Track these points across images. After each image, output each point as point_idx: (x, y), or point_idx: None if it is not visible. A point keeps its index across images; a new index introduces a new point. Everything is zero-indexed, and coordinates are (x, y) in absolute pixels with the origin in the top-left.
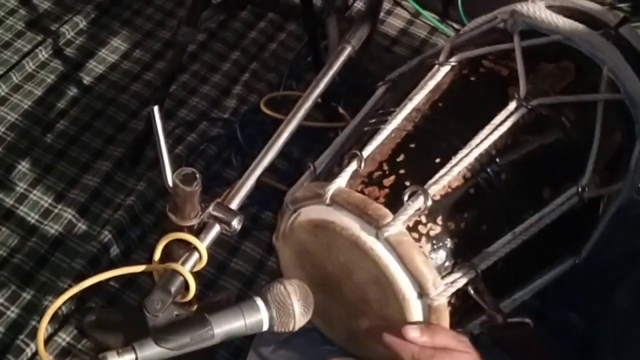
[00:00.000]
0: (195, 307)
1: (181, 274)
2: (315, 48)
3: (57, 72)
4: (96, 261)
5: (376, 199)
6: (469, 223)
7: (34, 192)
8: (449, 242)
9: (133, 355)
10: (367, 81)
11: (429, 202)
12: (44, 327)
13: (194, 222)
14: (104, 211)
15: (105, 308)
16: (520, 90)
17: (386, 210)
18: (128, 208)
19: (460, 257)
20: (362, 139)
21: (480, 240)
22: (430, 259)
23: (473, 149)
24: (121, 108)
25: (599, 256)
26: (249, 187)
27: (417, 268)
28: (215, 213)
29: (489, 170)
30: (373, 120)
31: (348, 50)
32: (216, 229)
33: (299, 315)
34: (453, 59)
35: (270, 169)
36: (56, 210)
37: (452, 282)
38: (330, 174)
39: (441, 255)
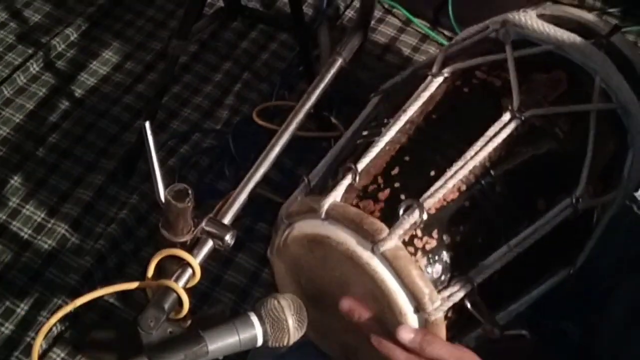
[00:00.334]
0: (189, 322)
1: (174, 291)
2: (306, 58)
3: (49, 85)
4: (90, 276)
5: (371, 213)
6: (464, 236)
7: (27, 206)
8: (445, 256)
9: None
10: (358, 90)
11: (425, 216)
12: (38, 344)
13: (187, 237)
14: (97, 225)
15: (100, 324)
16: (513, 101)
17: (382, 225)
18: (121, 222)
19: (456, 270)
20: (356, 151)
21: (476, 253)
22: (427, 273)
23: (467, 161)
24: (113, 121)
25: (593, 265)
26: (242, 201)
27: (413, 282)
28: (208, 228)
29: (483, 182)
30: (366, 133)
31: (339, 62)
32: (209, 244)
33: (293, 330)
34: (446, 70)
35: (264, 179)
36: (49, 225)
37: (449, 296)
38: (324, 188)
39: (437, 269)
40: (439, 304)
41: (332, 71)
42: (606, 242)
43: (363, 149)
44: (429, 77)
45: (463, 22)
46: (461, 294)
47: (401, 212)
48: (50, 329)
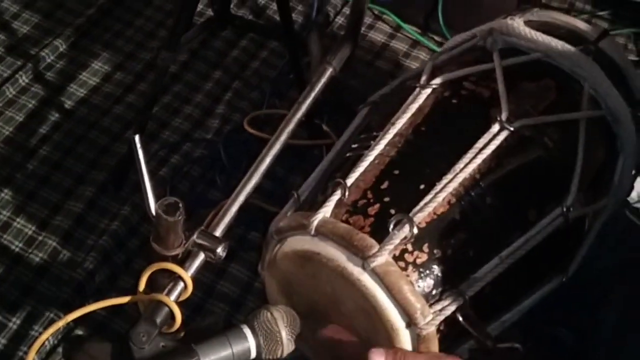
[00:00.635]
0: (182, 335)
1: (166, 305)
2: (297, 66)
3: (38, 97)
4: (82, 289)
5: (361, 228)
6: (455, 249)
7: (18, 219)
8: (436, 270)
9: None
10: (350, 97)
11: (415, 230)
12: (31, 359)
13: (178, 251)
14: (89, 237)
15: (92, 338)
16: (502, 112)
17: (372, 241)
18: (112, 233)
19: (447, 284)
20: (346, 165)
21: (467, 265)
22: (418, 288)
23: (457, 173)
24: (103, 132)
25: (586, 270)
26: (233, 213)
27: (404, 298)
28: (199, 241)
29: (473, 194)
30: (356, 146)
31: (330, 72)
32: (201, 257)
33: (287, 341)
34: (434, 82)
35: (255, 188)
36: (40, 238)
37: (441, 310)
38: (314, 203)
39: (429, 283)
40: (430, 318)
41: (323, 80)
42: (598, 248)
43: (352, 162)
44: (417, 89)
45: (453, 27)
46: (453, 308)
47: (391, 227)
48: (43, 343)
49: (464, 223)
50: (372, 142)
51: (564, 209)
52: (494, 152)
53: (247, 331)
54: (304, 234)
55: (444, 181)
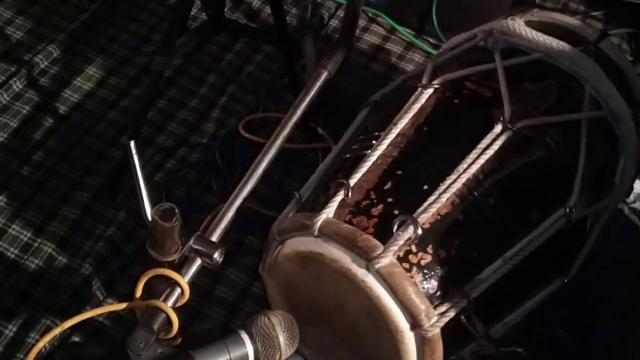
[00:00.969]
0: (179, 341)
1: (164, 311)
2: (292, 69)
3: (33, 103)
4: (78, 295)
5: (365, 229)
6: (459, 250)
7: (13, 226)
8: (440, 271)
9: None
10: (345, 100)
11: (419, 232)
12: None
13: (175, 257)
14: (85, 243)
15: (88, 345)
16: (505, 112)
17: (376, 242)
18: (108, 239)
19: (452, 285)
20: (348, 166)
21: (471, 267)
22: (423, 290)
23: (461, 174)
24: (98, 137)
25: (587, 271)
26: (230, 218)
27: (409, 299)
28: (196, 247)
29: (477, 195)
30: (357, 146)
31: (325, 76)
32: (198, 262)
33: (285, 347)
34: (436, 82)
35: (252, 193)
36: (36, 245)
37: (445, 312)
38: (317, 204)
39: (433, 285)
40: (435, 320)
41: (318, 84)
42: (599, 249)
43: (354, 163)
44: (419, 89)
45: (447, 29)
46: (457, 310)
47: (395, 228)
48: (40, 351)
49: (468, 224)
50: (374, 142)
51: (567, 210)
52: (497, 152)
53: (245, 337)
54: (307, 235)
55: (448, 182)
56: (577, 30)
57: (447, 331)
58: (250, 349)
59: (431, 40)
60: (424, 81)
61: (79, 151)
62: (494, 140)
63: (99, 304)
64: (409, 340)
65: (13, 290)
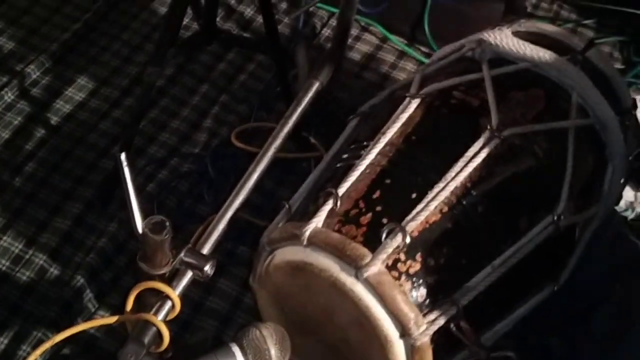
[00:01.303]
0: (170, 354)
1: (154, 325)
2: (284, 79)
3: (24, 113)
4: (69, 307)
5: (354, 238)
6: (448, 258)
7: (5, 238)
8: (429, 279)
9: None
10: (337, 109)
11: (408, 239)
12: None
13: (166, 269)
14: (76, 254)
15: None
16: (492, 120)
17: (365, 250)
18: (100, 250)
19: (441, 293)
20: (337, 175)
21: (460, 274)
22: (411, 298)
23: (449, 182)
24: (90, 147)
25: (577, 278)
26: (221, 229)
27: (398, 308)
28: (187, 259)
29: (465, 203)
30: (346, 155)
31: (316, 86)
32: (189, 275)
33: (276, 359)
34: (424, 91)
35: (244, 203)
36: (27, 256)
37: (434, 320)
38: (306, 213)
39: (422, 293)
40: (424, 328)
41: (310, 95)
42: (589, 255)
43: (343, 172)
44: (407, 99)
45: (439, 37)
46: (446, 317)
47: (384, 236)
48: None
49: (456, 232)
50: (362, 152)
51: (555, 218)
52: (484, 160)
53: (236, 350)
54: (296, 244)
55: (436, 190)
56: (563, 40)
57: (437, 339)
58: None
59: (423, 49)
60: (412, 91)
61: (70, 162)
62: (481, 148)
63: (90, 316)
64: (398, 348)
65: (4, 302)
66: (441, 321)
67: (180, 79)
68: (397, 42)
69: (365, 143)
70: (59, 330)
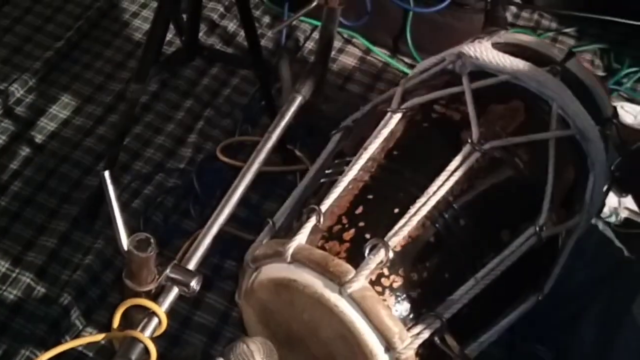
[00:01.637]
0: None
1: (141, 341)
2: (267, 93)
3: (9, 132)
4: (57, 325)
5: (337, 254)
6: (431, 272)
7: None
8: (412, 293)
9: None
10: (322, 122)
11: (391, 254)
12: None
13: (152, 286)
14: (63, 272)
15: None
16: (472, 134)
17: (348, 266)
18: (87, 268)
19: (424, 307)
20: (320, 191)
21: (443, 288)
22: (395, 312)
23: (430, 196)
24: (75, 165)
25: (561, 287)
26: (207, 244)
27: (382, 322)
28: (172, 275)
29: (447, 217)
30: (329, 171)
31: (299, 100)
32: (175, 291)
33: None
34: (405, 106)
35: (230, 217)
36: (14, 275)
37: (418, 334)
38: (289, 230)
39: (406, 307)
40: (409, 342)
41: (292, 109)
42: (573, 263)
43: (326, 188)
44: (389, 114)
45: (422, 48)
46: (430, 331)
47: (367, 251)
48: None
49: (438, 245)
50: (345, 167)
51: (537, 229)
52: (465, 174)
53: None
54: (280, 261)
55: (418, 204)
56: (543, 51)
57: (422, 352)
58: None
59: (406, 60)
60: (393, 105)
61: (55, 180)
62: (462, 161)
63: (78, 334)
64: None
65: None
66: (425, 335)
67: (164, 94)
68: (380, 53)
69: (348, 158)
70: (47, 348)
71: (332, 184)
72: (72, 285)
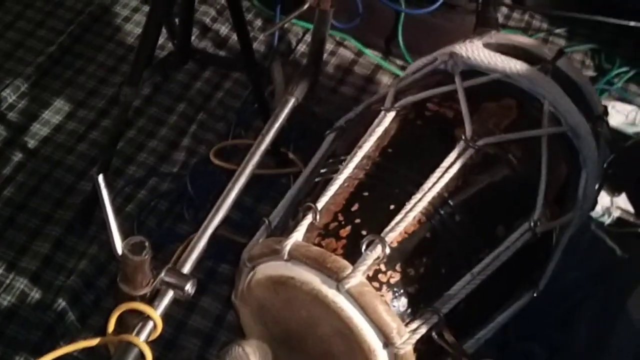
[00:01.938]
0: None
1: (136, 346)
2: (260, 96)
3: (1, 137)
4: (52, 331)
5: (334, 250)
6: (427, 267)
7: None
8: (410, 289)
9: None
10: (315, 124)
11: (387, 250)
12: None
13: (146, 290)
14: (57, 278)
15: None
16: (466, 131)
17: (345, 262)
18: (81, 273)
19: (422, 302)
20: (315, 189)
21: (440, 283)
22: (393, 307)
23: (426, 193)
24: (68, 170)
25: (555, 285)
26: (201, 248)
27: (380, 318)
28: (167, 279)
29: (442, 212)
30: (324, 170)
31: (292, 102)
32: (170, 294)
33: None
34: (398, 104)
35: (224, 220)
36: (8, 281)
37: (416, 329)
38: (285, 228)
39: (403, 303)
40: (407, 337)
41: (286, 111)
42: (567, 261)
43: (322, 187)
44: (382, 112)
45: (414, 50)
46: (428, 326)
47: (364, 247)
48: None
49: (435, 241)
50: (340, 166)
51: (531, 224)
52: (460, 170)
53: None
54: (277, 259)
55: (413, 201)
56: (533, 50)
57: (420, 348)
58: None
59: (398, 62)
60: (387, 104)
61: (48, 185)
62: (457, 158)
63: (73, 339)
64: (382, 358)
65: None
66: (423, 330)
67: (157, 98)
68: (372, 55)
69: (342, 157)
70: (42, 354)
71: (327, 182)
72: (66, 290)
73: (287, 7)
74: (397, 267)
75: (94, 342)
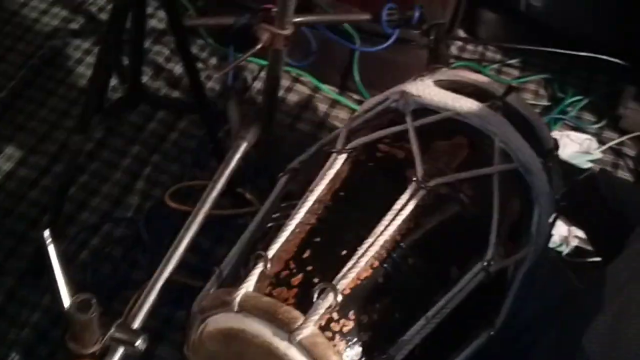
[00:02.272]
0: None
1: None
2: (214, 137)
3: None
4: None
5: (285, 300)
6: (381, 313)
7: None
8: (363, 336)
9: None
10: (272, 162)
11: (339, 298)
12: None
13: (95, 348)
14: (10, 331)
15: None
16: (417, 172)
17: (296, 312)
18: (34, 325)
19: (376, 350)
20: (267, 236)
21: (394, 329)
22: (346, 357)
23: (378, 237)
24: (20, 218)
25: (512, 321)
26: (152, 300)
27: None
28: (117, 335)
29: (395, 256)
30: (277, 215)
31: (244, 146)
32: (120, 351)
33: None
34: (350, 146)
35: (180, 264)
36: None
37: None
38: (237, 277)
39: (357, 351)
40: None
41: (237, 155)
42: (522, 297)
43: (274, 233)
44: (334, 155)
45: (369, 85)
46: None
47: (315, 296)
48: None
49: (388, 286)
50: (292, 210)
51: (485, 264)
52: (412, 212)
53: None
54: (227, 311)
55: (365, 245)
56: (484, 86)
57: None
58: None
59: (355, 97)
60: (338, 146)
61: (0, 234)
62: (409, 200)
63: None
64: None
65: None
66: None
67: (109, 141)
68: (329, 91)
69: (294, 201)
70: None
71: (279, 228)
72: (20, 343)
73: (242, 44)
74: (350, 315)
75: None
